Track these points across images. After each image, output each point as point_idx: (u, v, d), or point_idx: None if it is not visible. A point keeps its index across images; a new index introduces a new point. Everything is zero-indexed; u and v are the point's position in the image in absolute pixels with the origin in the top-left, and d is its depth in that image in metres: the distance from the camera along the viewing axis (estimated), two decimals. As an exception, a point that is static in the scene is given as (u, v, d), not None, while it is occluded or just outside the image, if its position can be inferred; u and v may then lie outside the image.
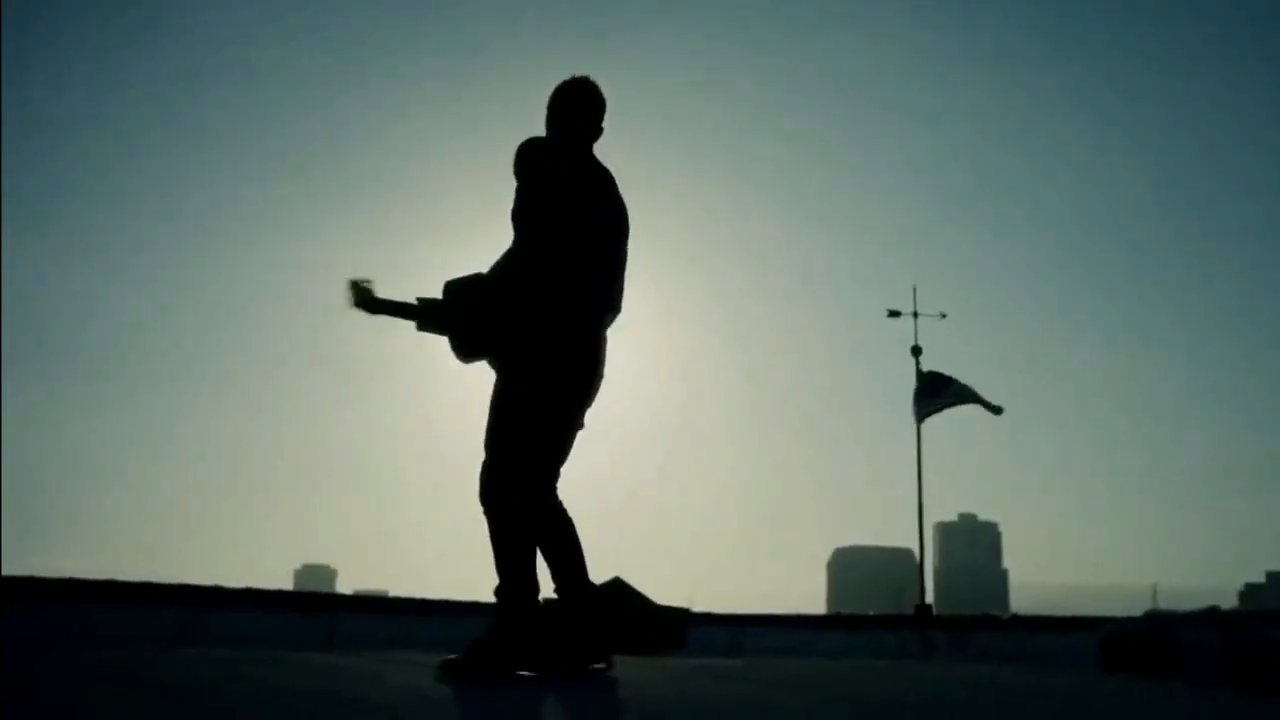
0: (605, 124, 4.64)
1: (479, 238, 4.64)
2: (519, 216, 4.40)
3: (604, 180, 4.56)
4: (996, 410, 22.43)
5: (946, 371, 23.03)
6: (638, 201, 4.59)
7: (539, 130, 4.54)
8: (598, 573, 4.50)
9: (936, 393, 22.61)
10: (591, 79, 4.63)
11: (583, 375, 4.43)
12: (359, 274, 4.51)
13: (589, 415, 4.46)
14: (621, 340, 4.47)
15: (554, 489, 4.42)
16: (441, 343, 4.49)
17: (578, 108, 4.58)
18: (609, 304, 4.52)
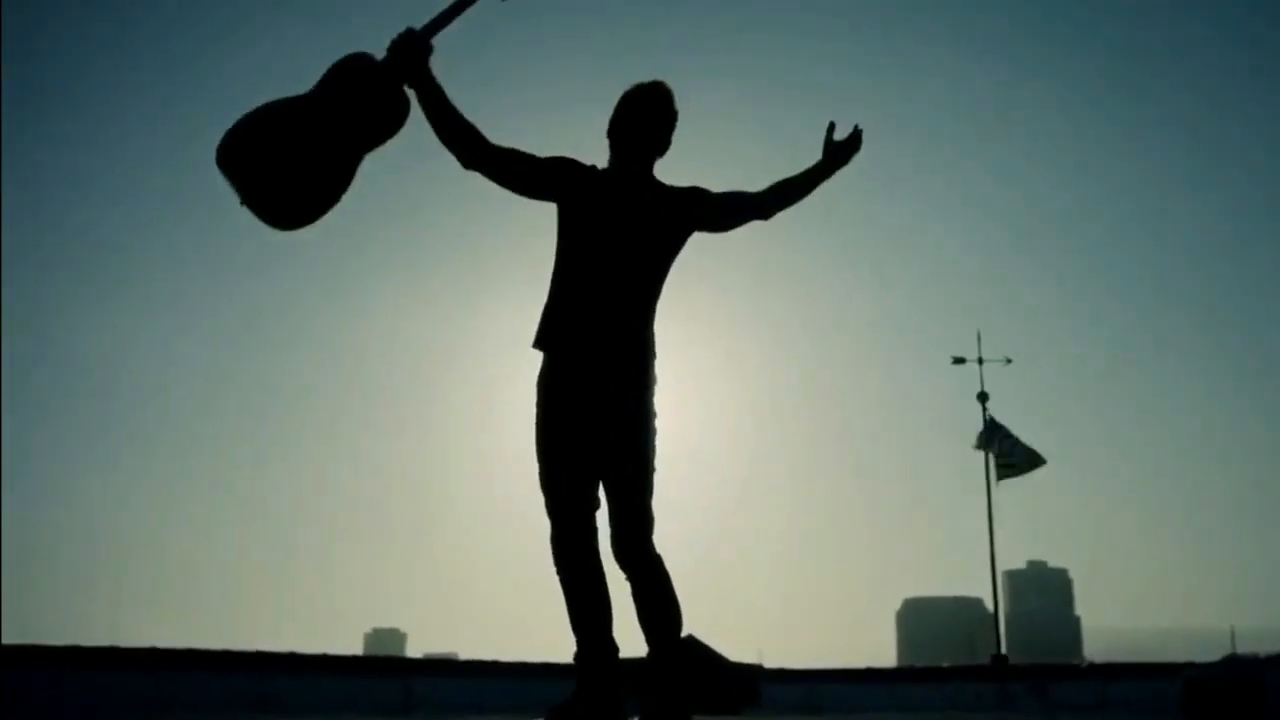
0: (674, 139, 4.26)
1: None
2: None
3: (612, 197, 4.22)
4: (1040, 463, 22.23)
5: (1014, 418, 22.87)
6: (698, 245, 4.31)
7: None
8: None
9: (1003, 444, 22.38)
10: (659, 86, 4.25)
11: (544, 406, 4.18)
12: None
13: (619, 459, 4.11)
14: (685, 391, 4.34)
15: (581, 536, 4.15)
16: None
17: (625, 117, 4.24)
18: (571, 330, 4.17)
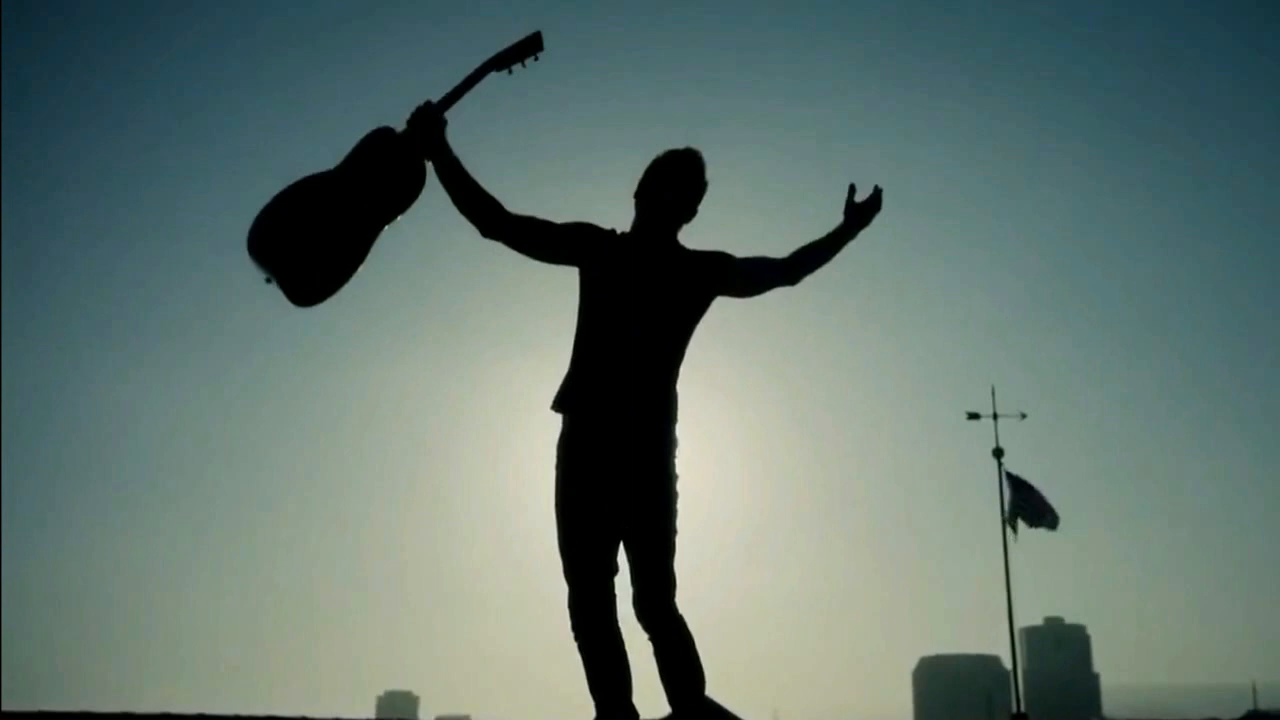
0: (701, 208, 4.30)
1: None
2: None
3: (634, 262, 4.24)
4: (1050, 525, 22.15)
5: (1030, 474, 22.76)
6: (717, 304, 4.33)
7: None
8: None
9: (1027, 499, 22.31)
10: (692, 153, 4.27)
11: (564, 469, 4.18)
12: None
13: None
14: (698, 447, 4.29)
15: (600, 601, 4.14)
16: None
17: (655, 182, 4.26)
18: (591, 392, 4.19)
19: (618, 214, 4.36)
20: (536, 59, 4.23)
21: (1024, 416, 25.22)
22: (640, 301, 4.20)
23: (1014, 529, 22.25)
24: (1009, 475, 22.83)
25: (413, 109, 4.16)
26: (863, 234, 4.32)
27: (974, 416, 24.92)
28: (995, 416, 24.51)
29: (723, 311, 4.36)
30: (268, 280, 4.10)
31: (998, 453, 23.62)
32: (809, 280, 4.36)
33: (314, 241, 4.13)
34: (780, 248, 4.32)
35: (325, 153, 4.20)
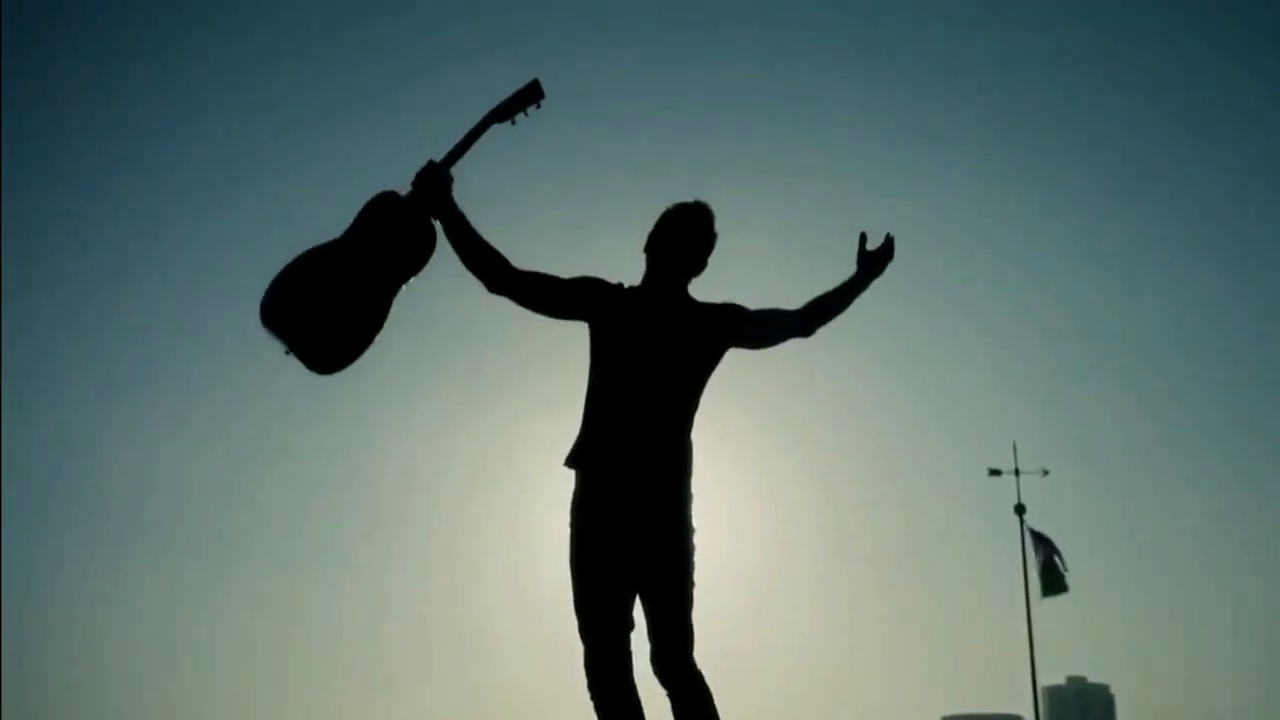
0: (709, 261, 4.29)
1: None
2: None
3: (644, 315, 4.22)
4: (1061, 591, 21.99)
5: (1052, 530, 22.62)
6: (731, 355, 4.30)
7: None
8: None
9: (1050, 558, 22.17)
10: (701, 207, 4.28)
11: (578, 525, 4.13)
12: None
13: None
14: (712, 500, 4.23)
15: (616, 659, 4.07)
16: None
17: (665, 235, 4.26)
18: (604, 447, 4.16)
19: (627, 267, 4.35)
20: (539, 107, 4.22)
21: (1046, 473, 25.01)
22: (651, 355, 4.17)
23: (1048, 589, 22.06)
24: (1033, 532, 22.68)
25: (417, 169, 4.15)
26: (877, 283, 4.27)
27: (995, 473, 24.72)
28: (1017, 473, 24.33)
29: (737, 363, 4.33)
30: (286, 352, 4.09)
31: (1020, 509, 23.46)
32: (824, 331, 4.31)
33: (329, 309, 4.12)
34: (794, 298, 4.28)
35: (335, 210, 4.18)
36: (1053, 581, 21.92)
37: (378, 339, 4.16)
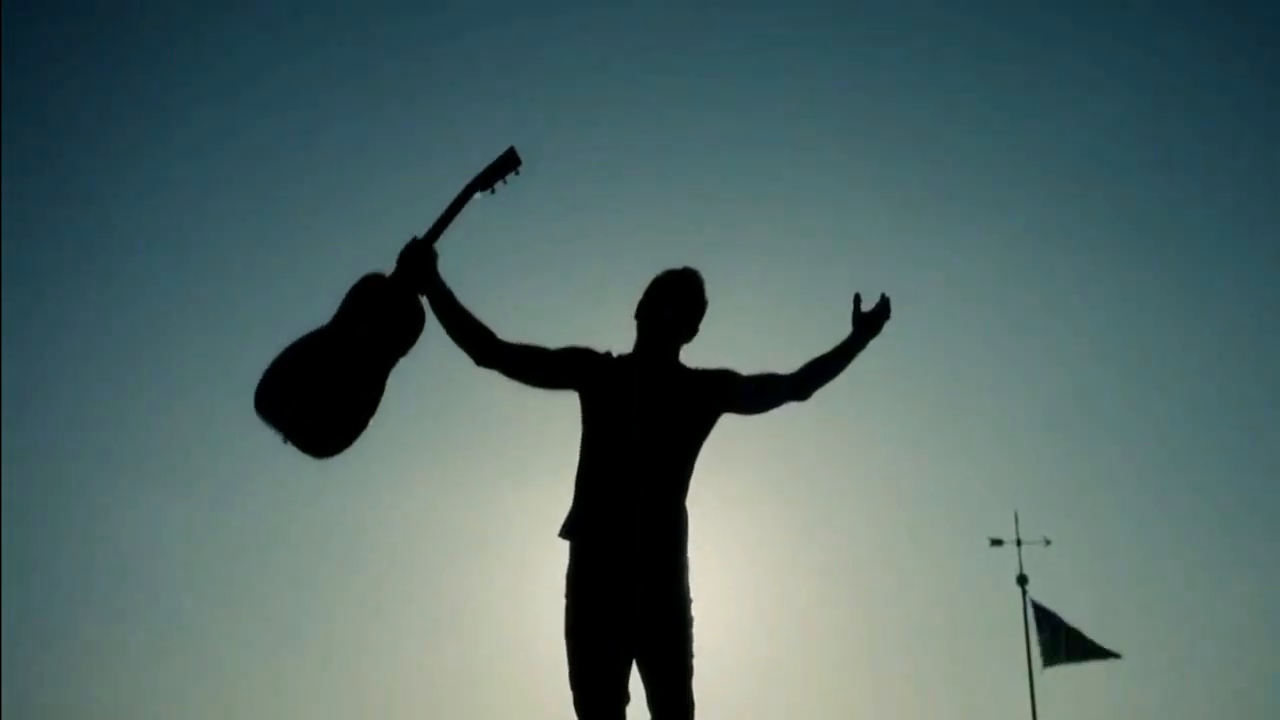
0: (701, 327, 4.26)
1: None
2: None
3: (635, 383, 4.18)
4: (1113, 656, 21.69)
5: (1055, 604, 22.39)
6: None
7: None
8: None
9: (1054, 632, 21.93)
10: (690, 273, 4.25)
11: (573, 597, 4.07)
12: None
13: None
14: (706, 566, 4.16)
15: None
16: None
17: (655, 302, 4.24)
18: (597, 517, 4.10)
19: (617, 335, 4.33)
20: (517, 173, 4.21)
21: (1049, 543, 24.79)
22: (643, 423, 4.13)
23: (1050, 661, 21.83)
24: (1035, 605, 22.47)
25: (402, 246, 4.14)
26: (874, 343, 4.24)
27: (997, 543, 24.48)
28: (1019, 543, 24.08)
29: (732, 428, 4.28)
30: (284, 440, 4.08)
31: (1022, 580, 23.24)
32: (820, 396, 4.27)
33: (323, 396, 4.11)
34: (789, 362, 4.25)
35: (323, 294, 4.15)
36: (1060, 650, 21.70)
37: (373, 420, 4.14)
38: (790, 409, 4.28)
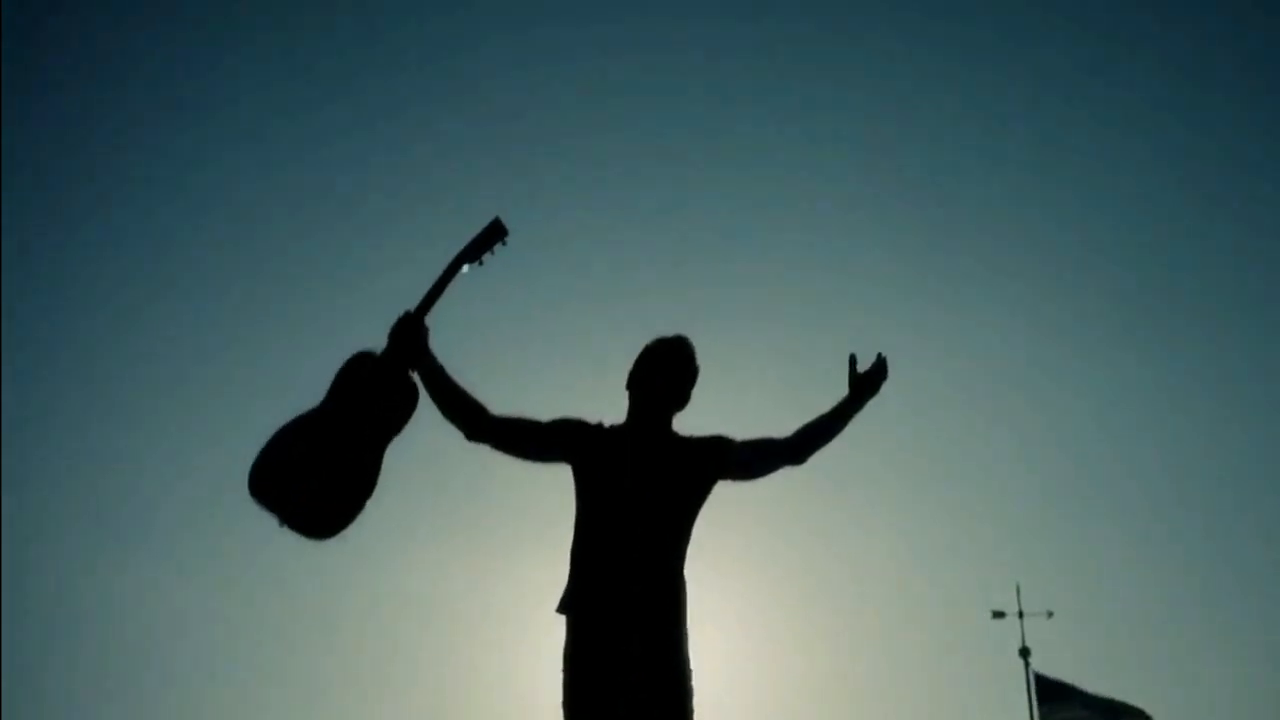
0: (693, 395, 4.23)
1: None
2: None
3: (628, 454, 4.14)
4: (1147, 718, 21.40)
5: (1066, 677, 22.16)
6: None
7: None
8: None
9: (1065, 699, 21.67)
10: (681, 341, 4.26)
11: (571, 673, 3.99)
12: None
13: None
14: (706, 637, 4.09)
15: None
16: None
17: (646, 371, 4.22)
18: (594, 591, 4.04)
19: (610, 405, 4.30)
20: (504, 244, 4.19)
21: (1051, 615, 24.61)
22: (638, 494, 4.08)
23: None
24: (1038, 677, 22.27)
25: (392, 322, 4.12)
26: (871, 407, 4.20)
27: (999, 615, 24.31)
28: (1021, 615, 23.93)
29: (728, 494, 4.23)
30: (280, 525, 4.04)
31: (1024, 652, 23.05)
32: (818, 465, 4.22)
33: (317, 478, 4.06)
34: (783, 425, 4.21)
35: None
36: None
37: (370, 500, 4.09)
38: (787, 474, 4.23)
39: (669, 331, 4.29)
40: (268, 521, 4.06)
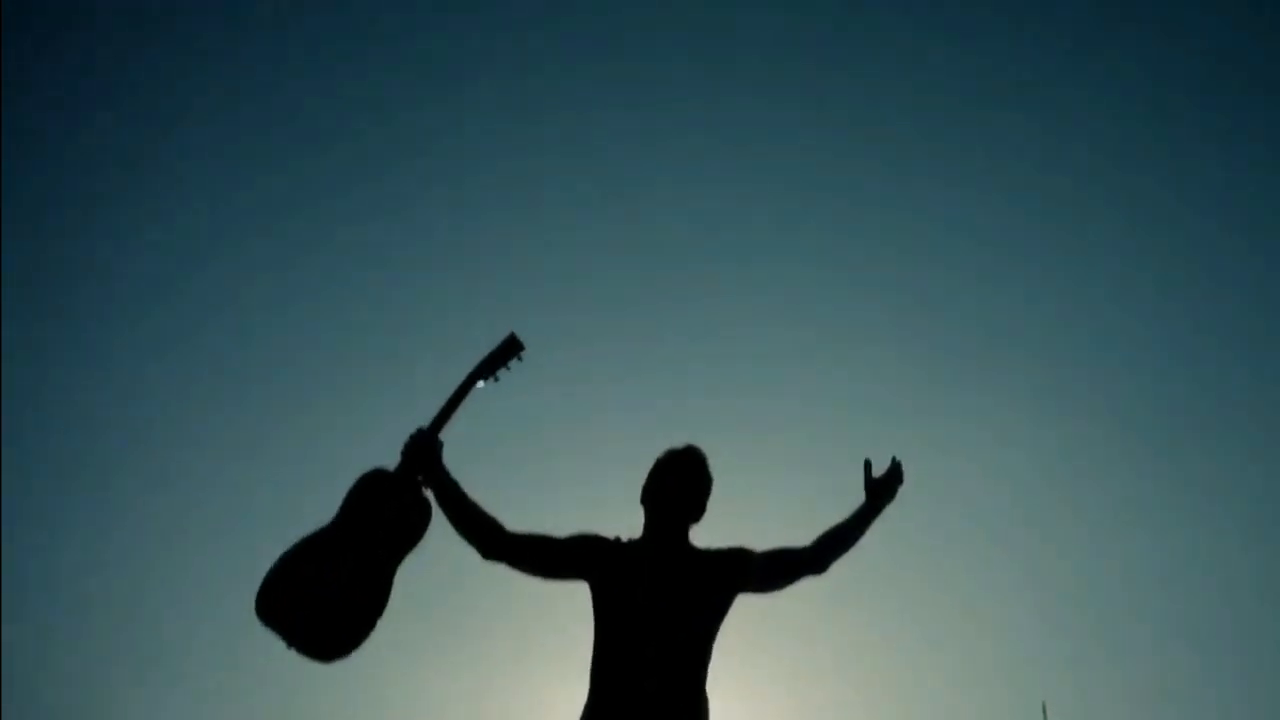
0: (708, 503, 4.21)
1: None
2: None
3: (645, 571, 4.09)
4: None
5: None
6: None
7: None
8: None
9: None
10: (692, 451, 4.23)
11: None
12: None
13: None
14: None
15: None
16: None
17: (660, 485, 4.18)
18: (600, 713, 3.96)
19: (624, 518, 4.27)
20: (520, 359, 4.20)
21: (1079, 733, 24.24)
22: (656, 610, 4.00)
23: None
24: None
25: (406, 439, 4.11)
26: (889, 513, 4.20)
27: (1027, 734, 23.96)
28: (1049, 733, 23.57)
29: (750, 611, 4.18)
30: (288, 647, 3.98)
31: (1055, 772, 22.61)
32: (839, 581, 4.19)
33: (326, 599, 4.01)
34: (804, 533, 4.17)
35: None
36: None
37: (381, 620, 4.03)
38: (807, 586, 4.18)
39: (679, 443, 4.26)
40: (275, 642, 4.02)
